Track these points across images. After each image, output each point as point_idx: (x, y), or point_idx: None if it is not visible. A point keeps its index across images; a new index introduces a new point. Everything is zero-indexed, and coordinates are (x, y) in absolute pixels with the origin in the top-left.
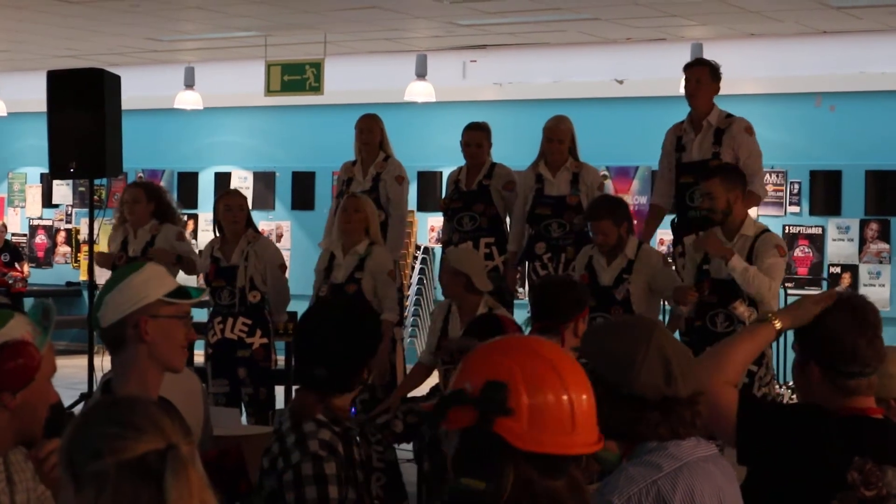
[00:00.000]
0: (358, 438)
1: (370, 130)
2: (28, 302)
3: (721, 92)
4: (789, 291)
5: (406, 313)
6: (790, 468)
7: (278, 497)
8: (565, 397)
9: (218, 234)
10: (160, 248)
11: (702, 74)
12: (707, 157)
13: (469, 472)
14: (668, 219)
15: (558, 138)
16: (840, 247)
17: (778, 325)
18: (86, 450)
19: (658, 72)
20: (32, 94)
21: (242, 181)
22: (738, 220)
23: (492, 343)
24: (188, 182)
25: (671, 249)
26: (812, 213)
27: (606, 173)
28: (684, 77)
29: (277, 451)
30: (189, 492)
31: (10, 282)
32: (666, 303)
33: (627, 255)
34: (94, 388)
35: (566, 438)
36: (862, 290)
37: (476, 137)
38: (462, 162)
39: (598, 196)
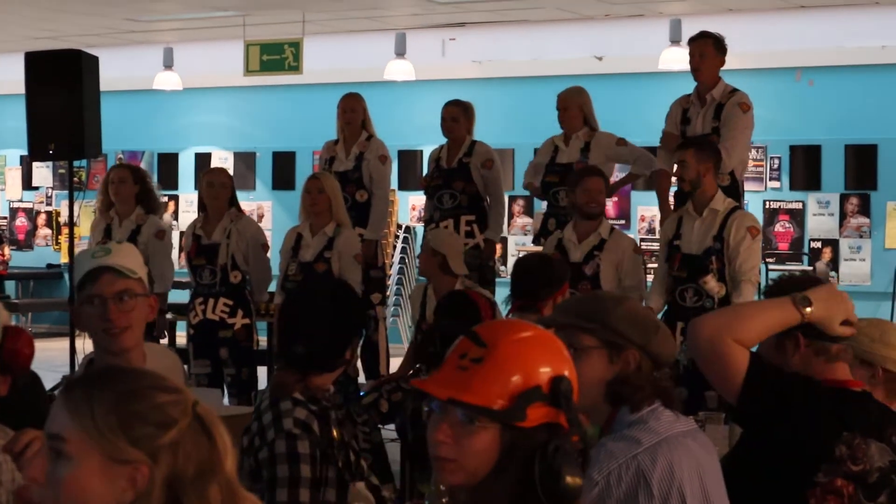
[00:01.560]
0: (337, 417)
1: (353, 110)
2: (9, 286)
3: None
4: (770, 267)
5: (388, 292)
6: (782, 437)
7: (257, 475)
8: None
9: (202, 213)
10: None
11: (705, 48)
12: (708, 131)
13: (572, 470)
14: (638, 196)
15: (562, 106)
16: (820, 221)
17: (810, 313)
18: (155, 423)
19: (637, 48)
20: (10, 75)
21: (223, 161)
22: (707, 194)
23: (523, 333)
24: (168, 163)
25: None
26: (792, 188)
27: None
28: (689, 51)
29: (255, 430)
30: (226, 433)
31: None
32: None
33: (601, 233)
34: (76, 370)
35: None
36: (842, 265)
37: (452, 112)
38: (443, 140)
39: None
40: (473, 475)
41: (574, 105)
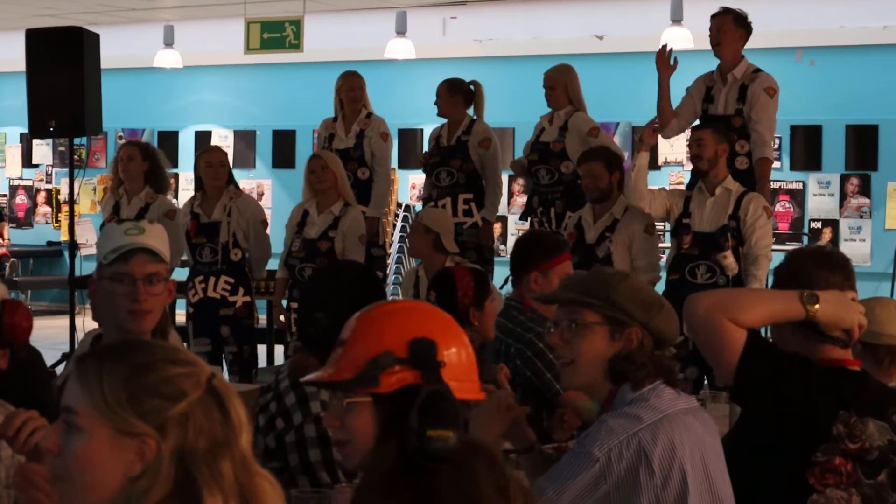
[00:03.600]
0: None
1: (359, 88)
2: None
3: (701, 47)
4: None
5: (388, 270)
6: (780, 416)
7: (275, 456)
8: (465, 348)
9: (198, 191)
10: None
11: (724, 23)
12: (731, 112)
13: (434, 424)
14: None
15: (549, 85)
16: (821, 202)
17: (816, 310)
18: (163, 395)
19: (638, 28)
20: (11, 53)
21: (223, 140)
22: (721, 174)
23: (379, 308)
24: (169, 141)
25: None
26: (793, 168)
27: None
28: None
29: (275, 410)
30: (241, 408)
31: None
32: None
33: (614, 214)
34: (76, 347)
35: (472, 385)
36: (843, 245)
37: (440, 89)
38: (442, 119)
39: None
40: (368, 453)
41: (560, 84)
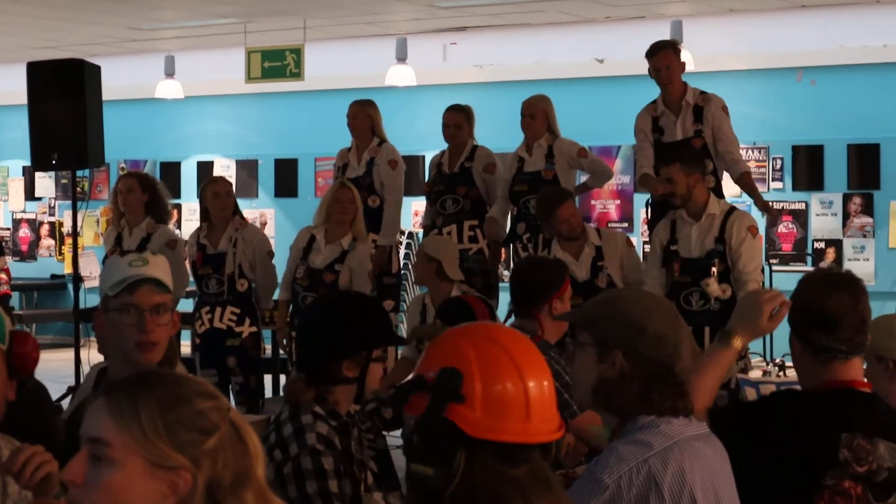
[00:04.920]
0: (358, 435)
1: (354, 116)
2: (13, 297)
3: (702, 69)
4: (774, 268)
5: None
6: (777, 456)
7: (274, 487)
8: (520, 385)
9: (204, 222)
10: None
11: (669, 59)
12: (690, 135)
13: (420, 457)
14: (641, 198)
15: (529, 113)
16: (824, 222)
17: (738, 343)
18: (199, 428)
19: (639, 50)
20: (12, 85)
21: (225, 169)
22: (700, 202)
23: (452, 330)
24: (171, 171)
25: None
26: (795, 188)
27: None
28: (651, 66)
29: (273, 441)
30: (256, 438)
31: None
32: None
33: (592, 241)
34: (81, 381)
35: (521, 426)
36: (846, 265)
37: (454, 118)
38: (445, 145)
39: (543, 191)
40: None
41: (540, 112)
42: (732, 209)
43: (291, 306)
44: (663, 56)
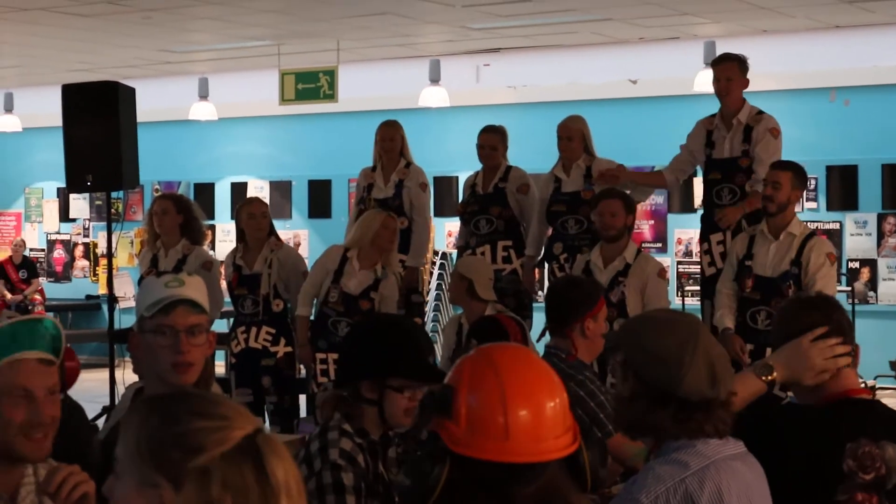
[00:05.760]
0: (395, 455)
1: (391, 139)
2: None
3: None
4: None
5: (425, 318)
6: (786, 473)
7: None
8: (500, 406)
9: (239, 243)
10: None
11: (732, 72)
12: (737, 154)
13: (405, 469)
14: (674, 219)
15: (567, 136)
16: (858, 241)
17: (773, 377)
18: (181, 448)
19: (671, 71)
20: (47, 108)
21: (259, 191)
22: (787, 218)
23: (478, 349)
24: (205, 193)
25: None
26: (829, 208)
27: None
28: (713, 76)
29: (302, 457)
30: (288, 468)
31: (30, 308)
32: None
33: (626, 258)
34: (117, 400)
35: (500, 445)
36: (881, 285)
37: (490, 140)
38: (478, 166)
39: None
40: None
41: (577, 134)
42: (812, 233)
43: (317, 326)
44: (726, 67)
